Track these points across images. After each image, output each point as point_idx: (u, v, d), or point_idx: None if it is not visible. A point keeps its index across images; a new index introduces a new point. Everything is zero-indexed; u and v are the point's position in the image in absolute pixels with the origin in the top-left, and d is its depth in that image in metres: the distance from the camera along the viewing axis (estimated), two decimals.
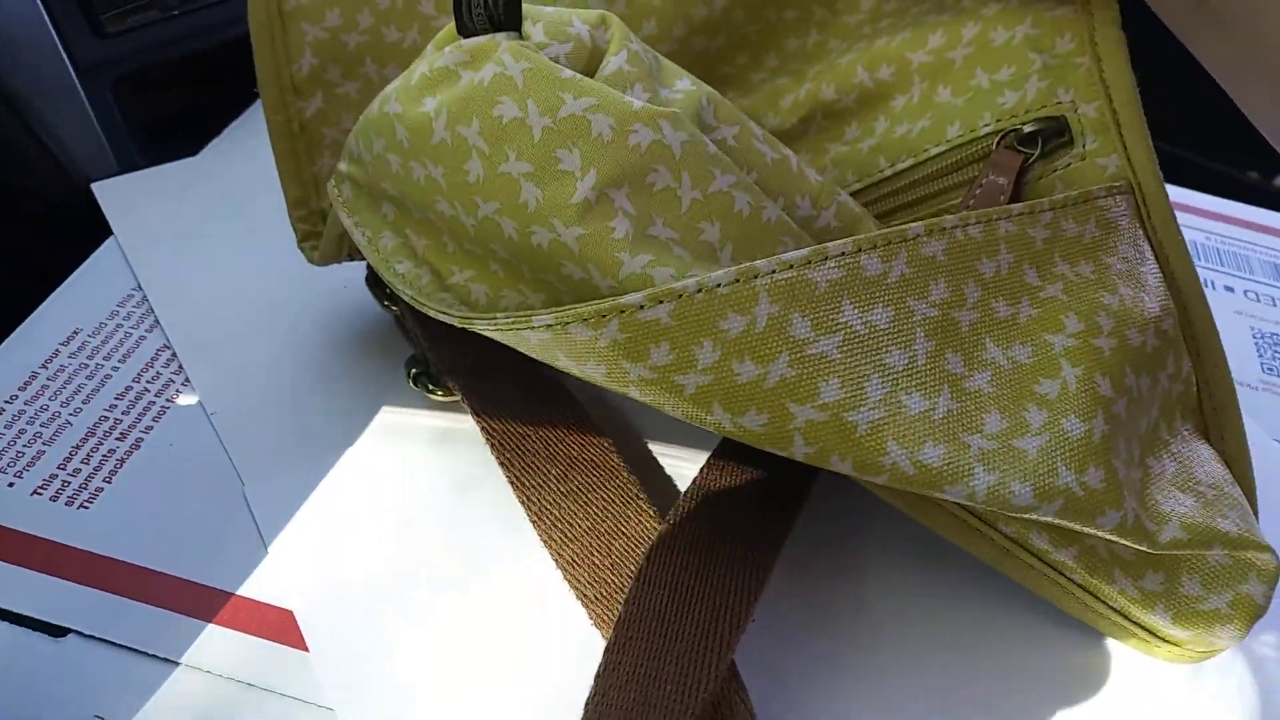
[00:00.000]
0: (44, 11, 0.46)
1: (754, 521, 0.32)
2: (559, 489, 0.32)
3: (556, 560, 0.31)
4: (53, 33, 0.47)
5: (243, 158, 0.48)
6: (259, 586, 0.31)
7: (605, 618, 0.29)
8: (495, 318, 0.25)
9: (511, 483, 0.32)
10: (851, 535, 0.34)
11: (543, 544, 0.31)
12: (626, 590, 0.29)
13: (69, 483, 0.33)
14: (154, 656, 0.29)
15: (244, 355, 0.38)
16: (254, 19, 0.36)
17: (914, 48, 0.35)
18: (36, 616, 0.30)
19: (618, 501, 0.32)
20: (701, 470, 0.33)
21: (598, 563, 0.31)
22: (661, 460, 0.36)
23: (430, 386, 0.36)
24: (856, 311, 0.25)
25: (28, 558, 0.31)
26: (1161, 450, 0.30)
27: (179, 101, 0.58)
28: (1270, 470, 0.34)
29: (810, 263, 0.25)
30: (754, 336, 0.24)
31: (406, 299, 0.28)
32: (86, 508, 0.32)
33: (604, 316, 0.24)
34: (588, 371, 0.25)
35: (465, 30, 0.27)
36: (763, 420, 0.24)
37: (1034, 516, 0.26)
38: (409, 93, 0.27)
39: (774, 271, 0.24)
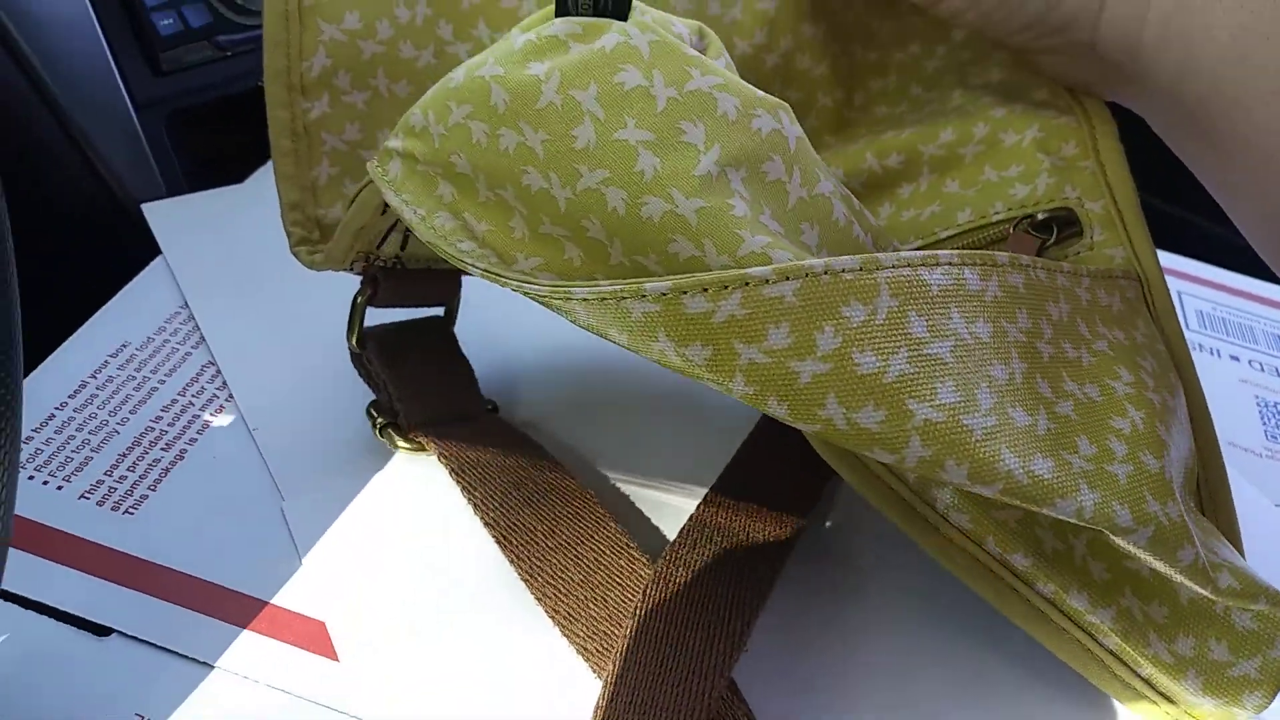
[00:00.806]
0: (107, 50, 0.49)
1: (751, 549, 0.33)
2: (547, 544, 0.33)
3: (553, 617, 0.31)
4: (114, 69, 0.50)
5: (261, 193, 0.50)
6: (293, 597, 0.32)
7: (604, 669, 0.30)
8: (598, 283, 0.24)
9: (498, 543, 0.33)
10: (854, 556, 0.36)
11: (537, 601, 0.32)
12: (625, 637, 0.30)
13: (115, 489, 0.35)
14: (192, 659, 0.31)
15: (285, 374, 0.40)
16: (270, 8, 0.35)
17: (925, 140, 0.37)
18: (82, 615, 0.31)
19: (609, 552, 0.33)
20: (698, 508, 0.34)
21: (594, 614, 0.31)
22: (641, 504, 0.37)
23: (397, 439, 0.36)
24: (963, 321, 0.25)
25: (75, 558, 0.33)
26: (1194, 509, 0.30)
27: (228, 137, 0.60)
28: (1273, 535, 0.36)
29: (925, 264, 0.24)
30: (875, 328, 0.23)
31: (478, 273, 0.26)
32: (131, 513, 0.34)
33: (726, 288, 0.22)
34: (687, 355, 0.23)
35: (568, 15, 0.27)
36: (880, 417, 0.23)
37: (1126, 543, 0.26)
38: (511, 57, 0.26)
39: (895, 266, 0.24)
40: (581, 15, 0.26)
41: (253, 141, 0.60)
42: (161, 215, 0.47)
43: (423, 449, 0.36)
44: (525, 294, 0.25)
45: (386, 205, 0.31)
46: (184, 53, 0.52)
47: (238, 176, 0.53)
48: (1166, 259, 0.56)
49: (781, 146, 0.26)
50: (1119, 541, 0.26)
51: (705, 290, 0.23)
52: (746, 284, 0.22)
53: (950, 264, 0.25)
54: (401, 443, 0.36)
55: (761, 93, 0.26)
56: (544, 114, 0.25)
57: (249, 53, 0.53)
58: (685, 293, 0.23)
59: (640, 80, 0.25)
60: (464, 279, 0.39)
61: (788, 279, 0.23)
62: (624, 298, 0.23)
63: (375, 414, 0.37)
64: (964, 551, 0.29)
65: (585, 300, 0.24)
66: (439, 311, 0.39)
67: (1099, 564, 0.29)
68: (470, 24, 0.37)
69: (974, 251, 0.26)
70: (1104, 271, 0.32)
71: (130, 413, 0.37)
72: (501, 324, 0.42)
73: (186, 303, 0.42)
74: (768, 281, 0.23)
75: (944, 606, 0.34)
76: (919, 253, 0.25)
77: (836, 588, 0.35)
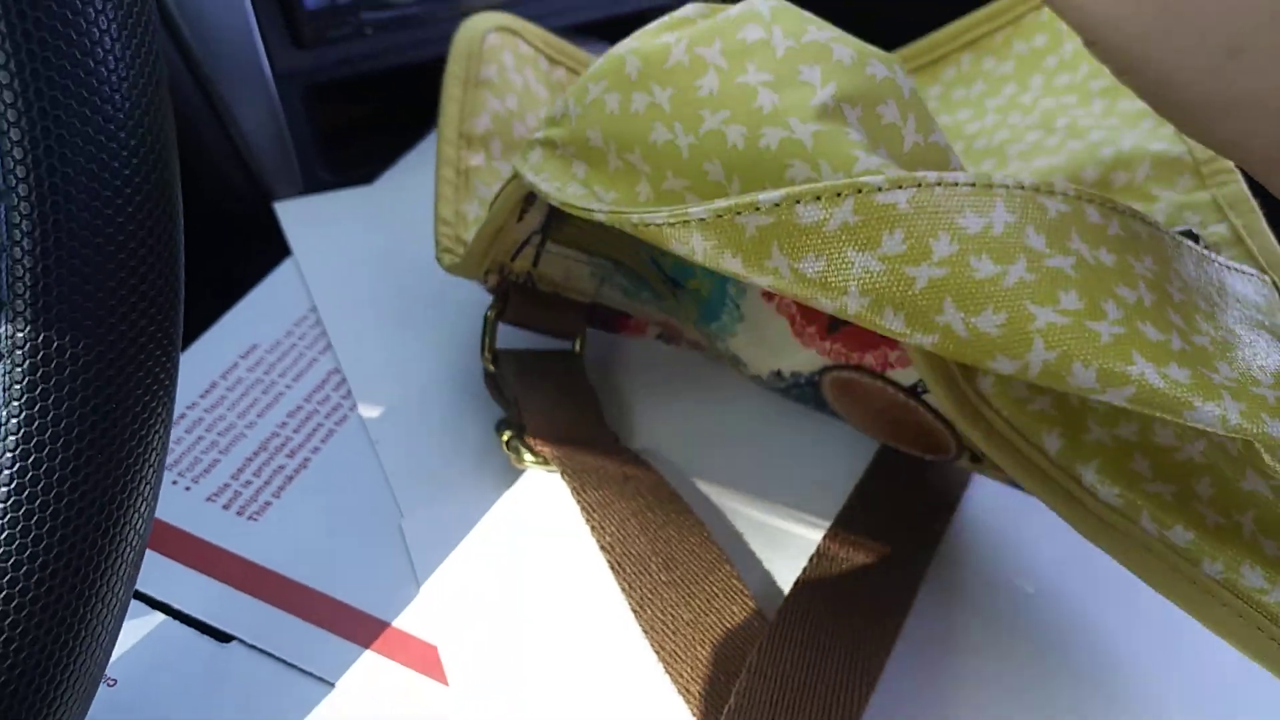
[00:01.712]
0: (253, 21, 0.50)
1: (867, 608, 0.33)
2: (661, 579, 0.33)
3: (659, 653, 0.32)
4: (258, 40, 0.50)
5: (415, 188, 0.51)
6: (408, 618, 0.33)
7: (706, 714, 0.30)
8: (714, 203, 0.25)
9: (612, 568, 0.33)
10: (966, 617, 0.35)
11: (644, 635, 0.32)
12: (729, 685, 0.30)
13: (240, 493, 0.36)
14: (309, 674, 0.32)
15: (411, 386, 0.40)
16: (452, 73, 0.42)
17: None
18: (206, 620, 0.32)
19: (721, 595, 0.33)
20: (812, 560, 0.34)
21: (701, 656, 0.31)
22: (754, 540, 0.37)
23: (522, 452, 0.37)
24: (1085, 246, 0.24)
25: (200, 561, 0.34)
26: None
27: (361, 114, 0.61)
28: None
29: (1040, 190, 0.25)
30: (992, 238, 0.23)
31: (603, 216, 0.28)
32: (255, 520, 0.35)
33: (839, 195, 0.23)
34: (800, 270, 0.24)
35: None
36: (1000, 320, 0.23)
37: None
38: (646, 34, 0.29)
39: (1008, 186, 0.24)
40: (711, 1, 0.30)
41: (387, 121, 0.61)
42: (293, 214, 0.48)
43: (547, 463, 0.36)
44: (643, 226, 0.26)
45: (523, 211, 0.35)
46: (326, 27, 0.52)
47: (367, 159, 0.55)
48: None
49: (896, 93, 0.27)
50: (1272, 462, 0.25)
51: (818, 199, 0.23)
52: (860, 190, 0.23)
53: (1068, 194, 0.25)
54: (528, 456, 0.37)
55: (876, 49, 0.28)
56: (672, 72, 0.28)
57: (388, 31, 0.54)
58: (799, 201, 0.24)
59: (761, 34, 0.27)
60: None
61: (901, 187, 0.23)
62: (739, 213, 0.24)
63: (502, 429, 0.38)
64: (1117, 530, 0.27)
65: (702, 221, 0.25)
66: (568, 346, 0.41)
67: (1271, 541, 0.27)
68: None
69: (1095, 193, 0.26)
70: (1237, 266, 0.30)
71: (258, 416, 0.38)
72: (624, 361, 0.43)
73: (315, 306, 0.43)
74: (880, 189, 0.23)
75: (1077, 651, 0.34)
76: (1032, 179, 0.25)
77: (952, 645, 0.34)
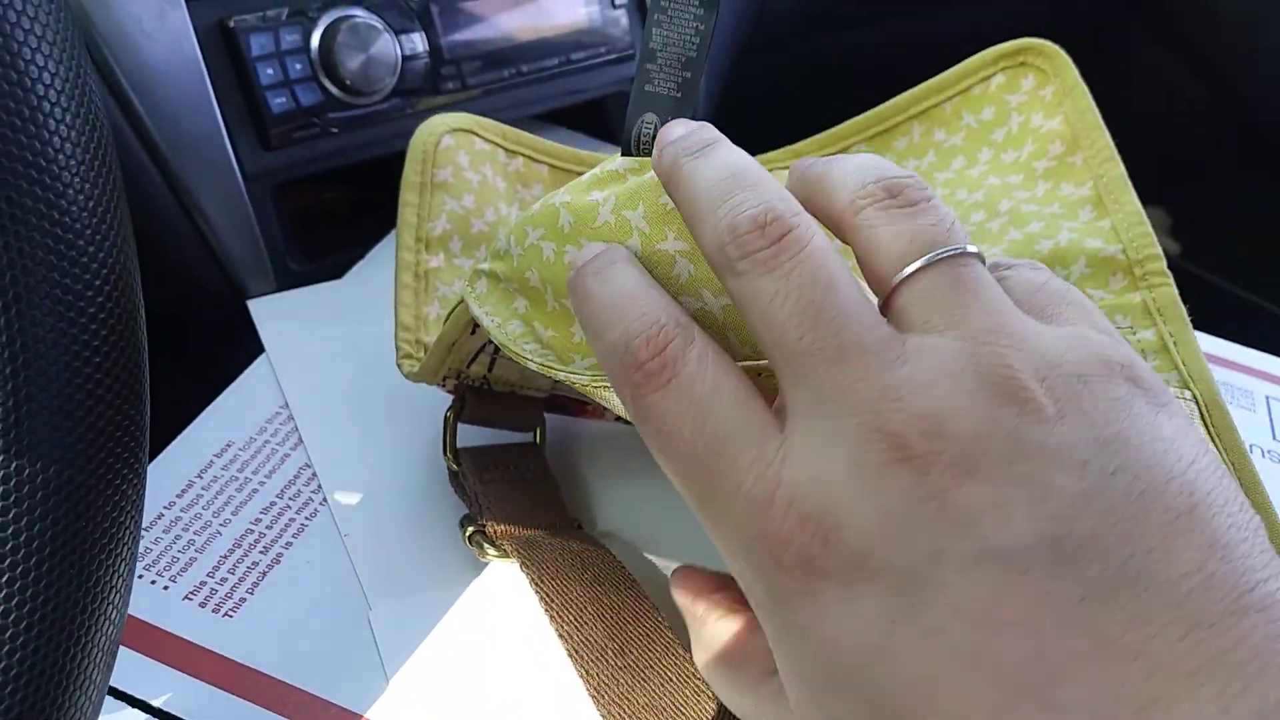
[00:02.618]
0: (223, 127, 0.53)
1: None
2: (616, 664, 0.35)
3: None
4: (228, 145, 0.53)
5: (382, 283, 0.53)
6: (378, 710, 0.35)
7: None
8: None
9: (570, 655, 0.35)
10: None
11: None
12: None
13: (216, 590, 0.38)
14: None
15: (379, 480, 0.42)
16: (408, 179, 0.45)
17: None
18: (183, 717, 0.34)
19: (675, 680, 0.35)
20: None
21: None
22: None
23: (485, 547, 0.39)
24: None
25: (178, 659, 0.36)
26: None
27: (331, 201, 0.64)
28: None
29: None
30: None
31: (535, 366, 0.31)
32: (230, 616, 0.37)
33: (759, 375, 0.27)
34: None
35: (630, 155, 0.32)
36: None
37: None
38: (578, 188, 0.32)
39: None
40: (640, 156, 0.32)
41: (354, 212, 0.64)
42: (266, 312, 0.51)
43: (508, 556, 0.38)
44: (571, 383, 0.30)
45: (475, 325, 0.37)
46: (294, 129, 0.55)
47: (336, 243, 0.59)
48: (1247, 355, 0.56)
49: None
50: None
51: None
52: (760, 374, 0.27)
53: None
54: (490, 550, 0.39)
55: None
56: (601, 230, 0.30)
57: (353, 129, 0.57)
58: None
59: None
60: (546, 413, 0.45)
61: None
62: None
63: (465, 525, 0.40)
64: None
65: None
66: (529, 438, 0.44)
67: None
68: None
69: None
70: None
71: (232, 514, 0.40)
72: (584, 445, 0.45)
73: (287, 403, 0.45)
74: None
75: None
76: None
77: None
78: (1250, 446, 0.48)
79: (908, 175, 0.26)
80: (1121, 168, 0.42)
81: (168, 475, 0.42)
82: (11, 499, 0.25)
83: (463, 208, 0.46)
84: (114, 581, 0.27)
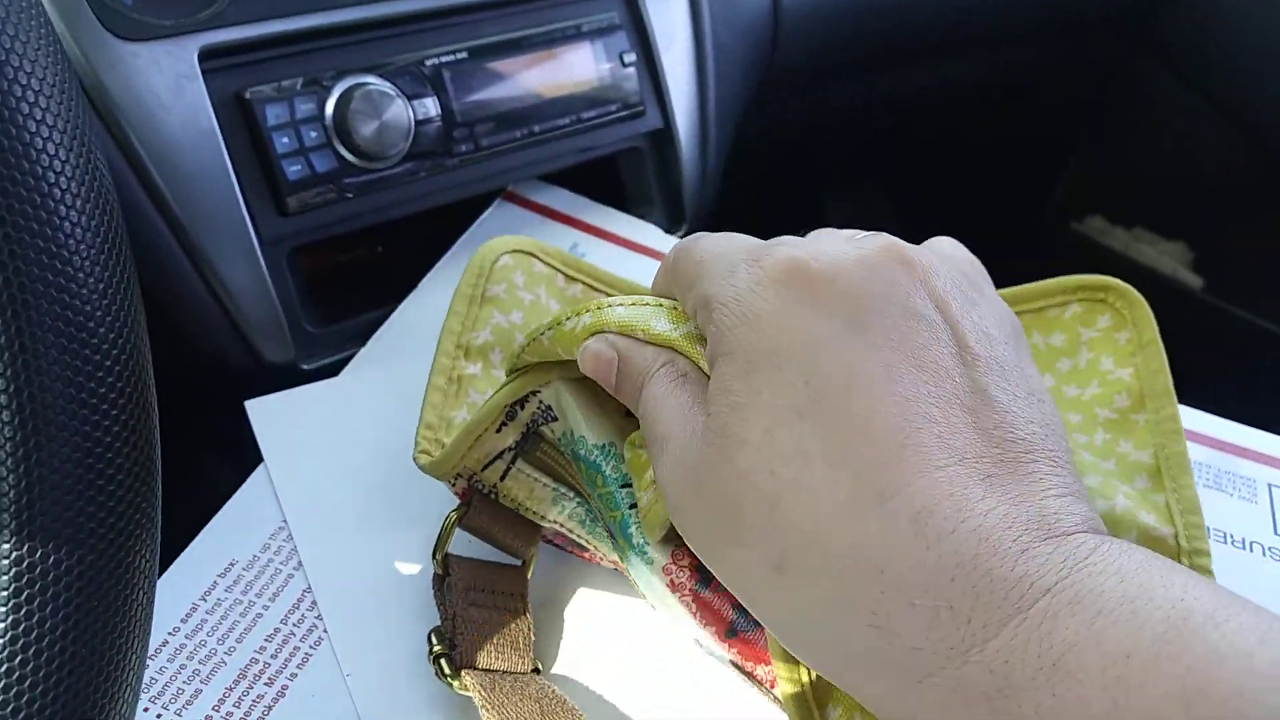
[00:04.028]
0: (239, 195, 0.56)
1: None
2: None
3: None
4: (244, 212, 0.56)
5: (379, 381, 0.56)
6: None
7: None
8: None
9: None
10: None
11: None
12: None
13: None
14: None
15: (379, 608, 0.45)
16: (460, 290, 0.48)
17: None
18: None
19: None
20: None
21: None
22: None
23: (447, 673, 0.41)
24: None
25: None
26: None
27: (348, 261, 0.67)
28: None
29: None
30: None
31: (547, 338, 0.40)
32: None
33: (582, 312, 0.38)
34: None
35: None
36: None
37: None
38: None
39: None
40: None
41: (366, 274, 0.67)
42: (263, 415, 0.53)
43: (466, 690, 0.40)
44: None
45: (503, 424, 0.42)
46: (309, 195, 0.58)
47: (353, 304, 0.62)
48: (1250, 438, 0.54)
49: None
50: None
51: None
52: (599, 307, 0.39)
53: None
54: (450, 678, 0.41)
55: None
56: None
57: (370, 193, 0.59)
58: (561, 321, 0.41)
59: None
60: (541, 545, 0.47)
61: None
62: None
63: (434, 640, 0.42)
64: None
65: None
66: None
67: None
68: None
69: None
70: None
71: (237, 641, 0.44)
72: (571, 579, 0.48)
73: (286, 521, 0.48)
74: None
75: None
76: None
77: None
78: (1248, 544, 0.49)
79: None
80: (1185, 445, 0.43)
81: (171, 597, 0.45)
82: (24, 581, 0.27)
83: (509, 322, 0.49)
84: (125, 676, 0.30)
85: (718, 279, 0.34)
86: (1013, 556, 0.27)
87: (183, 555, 0.47)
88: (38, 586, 0.27)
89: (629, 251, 0.65)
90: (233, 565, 0.47)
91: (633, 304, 0.39)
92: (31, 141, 0.28)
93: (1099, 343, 0.47)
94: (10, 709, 0.27)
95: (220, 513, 0.49)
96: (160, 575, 0.45)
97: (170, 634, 0.44)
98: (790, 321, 0.31)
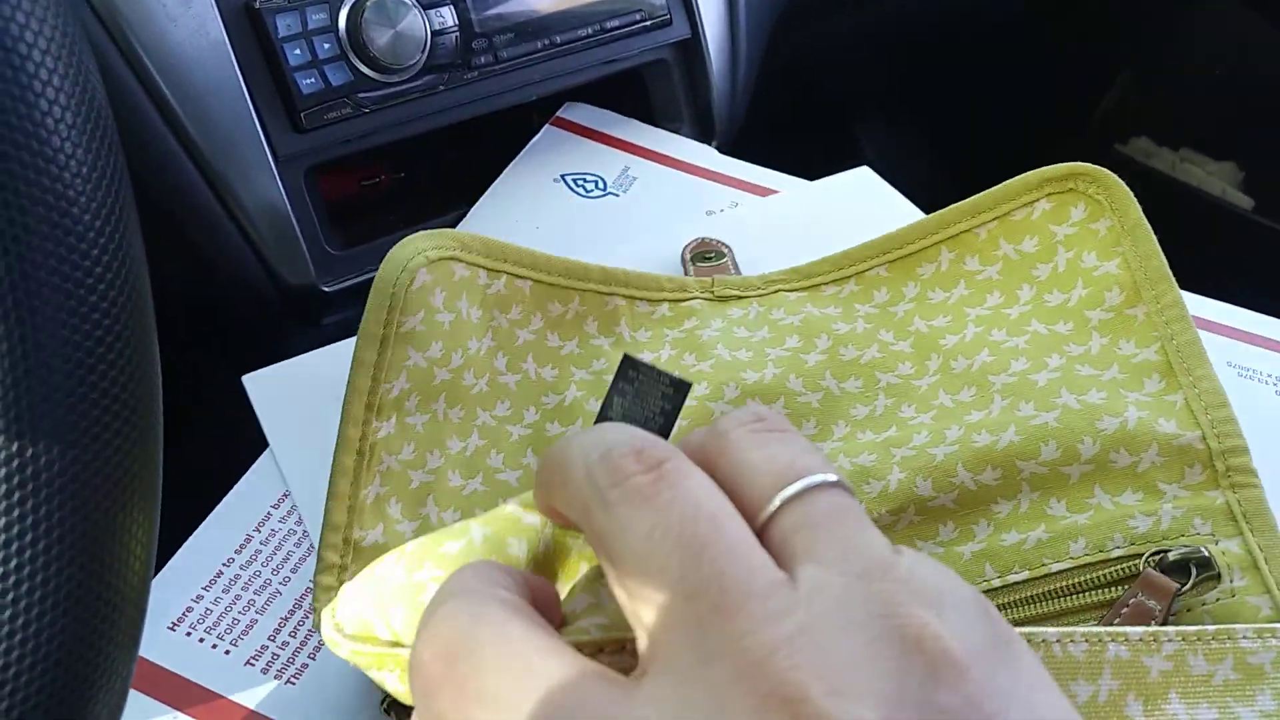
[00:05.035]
0: (253, 110, 0.54)
1: None
2: None
3: None
4: (259, 128, 0.54)
5: None
6: None
7: None
8: None
9: None
10: None
11: None
12: None
13: (278, 655, 0.39)
14: None
15: None
16: (366, 332, 0.41)
17: (1024, 456, 0.37)
18: None
19: None
20: None
21: None
22: None
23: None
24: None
25: None
26: None
27: (369, 194, 0.65)
28: None
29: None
30: None
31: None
32: (293, 684, 0.39)
33: None
34: None
35: None
36: None
37: None
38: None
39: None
40: None
41: (388, 201, 0.65)
42: (262, 388, 0.48)
43: None
44: None
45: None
46: (324, 110, 0.55)
47: (374, 229, 0.60)
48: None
49: None
50: None
51: None
52: None
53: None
54: None
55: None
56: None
57: (387, 108, 0.57)
58: None
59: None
60: None
61: None
62: None
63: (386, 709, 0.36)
64: None
65: None
66: None
67: None
68: (520, 358, 0.44)
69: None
70: (1211, 633, 0.31)
71: (291, 571, 0.42)
72: None
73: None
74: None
75: None
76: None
77: None
78: None
79: (774, 413, 0.25)
80: (1195, 332, 0.39)
81: (226, 530, 0.43)
82: (15, 481, 0.26)
83: (426, 359, 0.42)
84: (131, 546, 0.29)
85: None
86: None
87: (236, 487, 0.45)
88: (30, 488, 0.26)
89: (681, 173, 0.63)
90: (286, 497, 0.44)
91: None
92: (15, 48, 0.27)
93: (1076, 239, 0.43)
94: (9, 603, 0.26)
95: (270, 447, 0.46)
96: (214, 507, 0.44)
97: (225, 565, 0.42)
98: None
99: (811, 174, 0.60)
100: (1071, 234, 0.43)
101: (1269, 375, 0.46)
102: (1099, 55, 1.05)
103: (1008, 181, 0.45)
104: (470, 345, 0.42)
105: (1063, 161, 0.45)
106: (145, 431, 0.29)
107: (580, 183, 0.63)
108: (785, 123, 0.88)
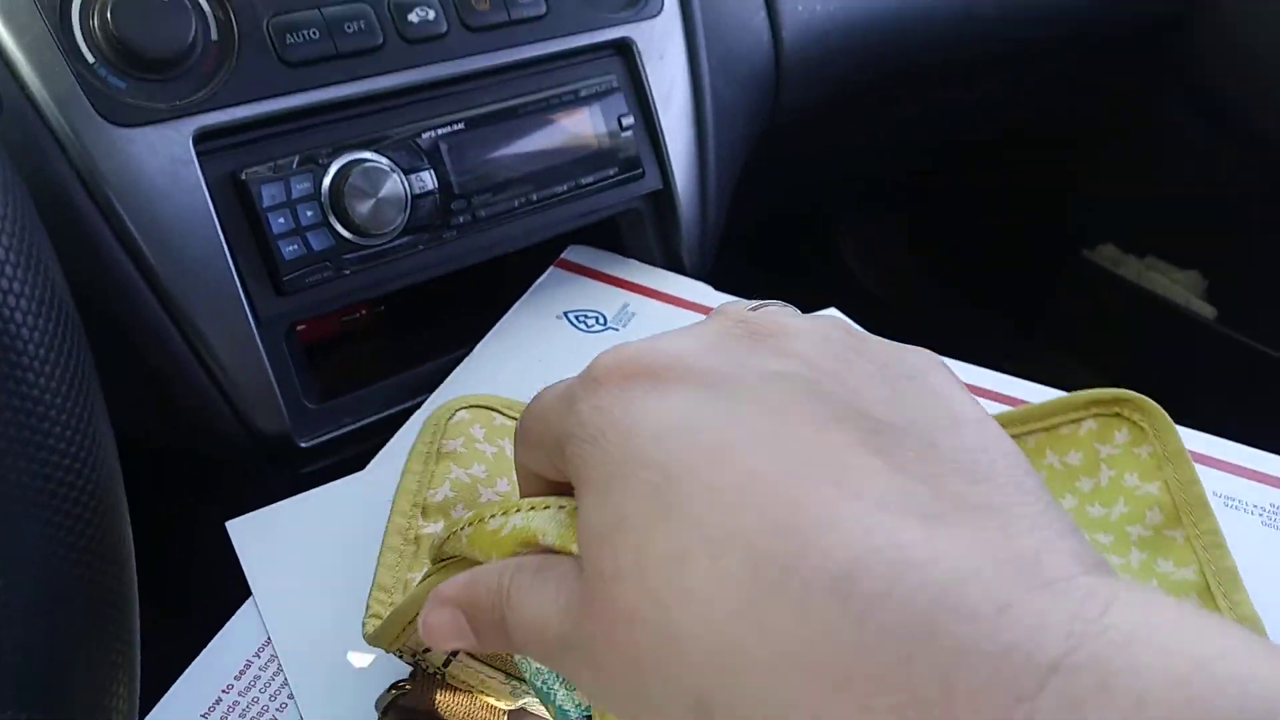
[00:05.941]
0: (236, 277, 0.57)
1: None
2: None
3: None
4: (241, 293, 0.57)
5: (353, 497, 0.54)
6: None
7: None
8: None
9: None
10: None
11: None
12: None
13: None
14: None
15: None
16: (416, 448, 0.47)
17: None
18: None
19: None
20: None
21: None
22: None
23: None
24: None
25: None
26: None
27: (348, 328, 0.68)
28: None
29: None
30: None
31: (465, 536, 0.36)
32: None
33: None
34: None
35: None
36: None
37: None
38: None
39: None
40: None
41: (370, 349, 0.68)
42: (246, 534, 0.50)
43: None
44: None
45: None
46: (306, 274, 0.59)
47: (349, 384, 0.63)
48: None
49: None
50: None
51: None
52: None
53: None
54: None
55: None
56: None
57: (369, 269, 0.61)
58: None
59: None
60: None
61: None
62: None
63: None
64: None
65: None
66: None
67: None
68: None
69: None
70: None
71: None
72: None
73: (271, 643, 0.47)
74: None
75: None
76: None
77: None
78: None
79: None
80: (1232, 560, 0.41)
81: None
82: None
83: (470, 475, 0.48)
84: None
85: (560, 418, 0.30)
86: (988, 618, 0.21)
87: (216, 637, 0.46)
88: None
89: (681, 310, 0.67)
90: (267, 644, 0.46)
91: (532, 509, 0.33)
92: None
93: (1119, 459, 0.45)
94: None
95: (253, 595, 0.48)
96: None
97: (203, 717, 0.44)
98: (635, 419, 0.27)
99: (792, 277, 0.63)
100: (1115, 454, 0.46)
101: (1255, 506, 0.49)
102: (1064, 164, 1.09)
103: (1055, 399, 0.48)
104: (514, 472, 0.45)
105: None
106: (123, 609, 0.32)
107: (582, 319, 0.67)
108: (766, 234, 0.91)
